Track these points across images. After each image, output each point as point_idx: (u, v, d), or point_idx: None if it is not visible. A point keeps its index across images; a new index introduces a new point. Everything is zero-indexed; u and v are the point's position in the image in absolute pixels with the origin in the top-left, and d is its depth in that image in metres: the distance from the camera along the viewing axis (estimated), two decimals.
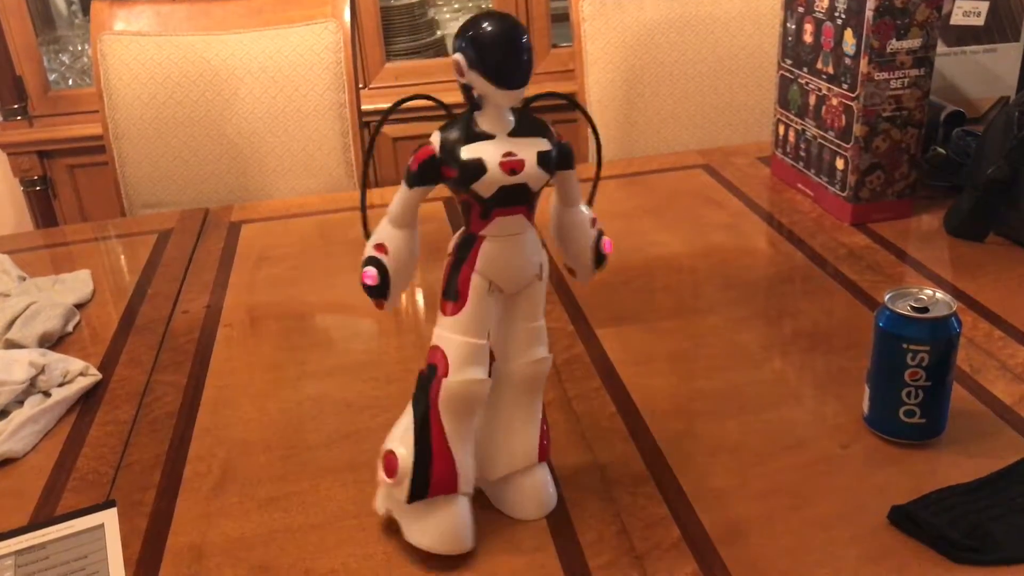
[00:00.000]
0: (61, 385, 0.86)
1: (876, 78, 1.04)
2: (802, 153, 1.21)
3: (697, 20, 1.57)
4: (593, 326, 0.93)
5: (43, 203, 2.10)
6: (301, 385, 0.88)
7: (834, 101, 1.11)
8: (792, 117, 1.22)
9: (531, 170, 0.59)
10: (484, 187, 0.59)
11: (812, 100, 1.16)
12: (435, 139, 0.60)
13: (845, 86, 1.08)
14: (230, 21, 1.54)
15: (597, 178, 0.69)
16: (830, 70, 1.11)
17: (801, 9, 1.16)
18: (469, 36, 0.57)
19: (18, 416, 0.81)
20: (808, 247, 1.08)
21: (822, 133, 1.15)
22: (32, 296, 1.01)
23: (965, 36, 1.28)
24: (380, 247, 0.63)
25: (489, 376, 0.63)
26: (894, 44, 1.03)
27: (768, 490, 0.69)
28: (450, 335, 0.62)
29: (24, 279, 1.10)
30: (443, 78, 2.12)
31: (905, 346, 0.69)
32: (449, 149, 0.59)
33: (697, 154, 1.40)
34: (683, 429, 0.77)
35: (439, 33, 2.26)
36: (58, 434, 0.82)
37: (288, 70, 1.51)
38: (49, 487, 0.75)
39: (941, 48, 1.25)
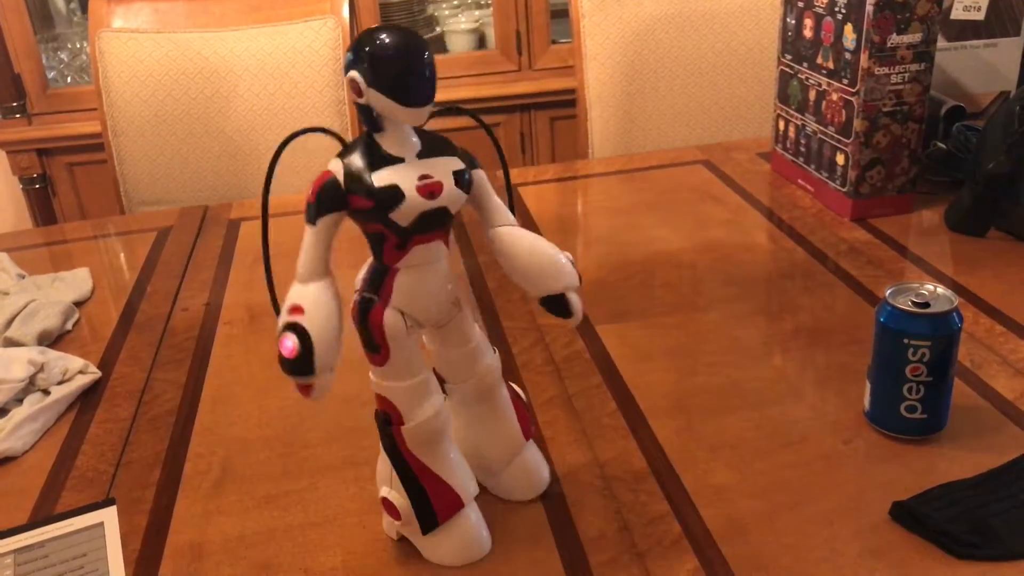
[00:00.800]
0: (60, 383, 0.86)
1: (876, 73, 1.04)
2: (802, 148, 1.20)
3: (697, 15, 1.56)
4: (593, 322, 0.93)
5: (42, 201, 2.10)
6: None
7: (834, 96, 1.11)
8: (792, 112, 1.22)
9: (450, 191, 0.56)
10: (402, 215, 0.54)
11: (812, 95, 1.16)
12: (335, 167, 0.55)
13: (845, 81, 1.08)
14: (228, 18, 1.54)
15: (510, 195, 0.64)
16: (830, 65, 1.11)
17: (801, 4, 1.16)
18: (366, 52, 0.52)
19: (17, 414, 0.81)
20: (808, 243, 1.07)
21: (822, 128, 1.14)
22: (31, 294, 1.01)
23: (965, 31, 1.28)
24: (295, 309, 0.55)
25: (444, 392, 0.62)
26: (894, 39, 1.03)
27: (769, 486, 0.69)
28: (388, 384, 0.59)
29: (23, 277, 1.09)
30: (442, 74, 2.11)
31: (906, 341, 0.69)
32: (356, 177, 0.54)
33: (697, 150, 1.40)
34: (684, 425, 0.76)
35: (438, 29, 2.26)
36: (57, 432, 0.82)
37: (287, 67, 1.51)
38: (48, 485, 0.75)
39: (941, 43, 1.25)
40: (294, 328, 0.54)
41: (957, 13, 1.26)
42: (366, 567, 0.64)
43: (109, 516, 0.66)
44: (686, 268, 1.05)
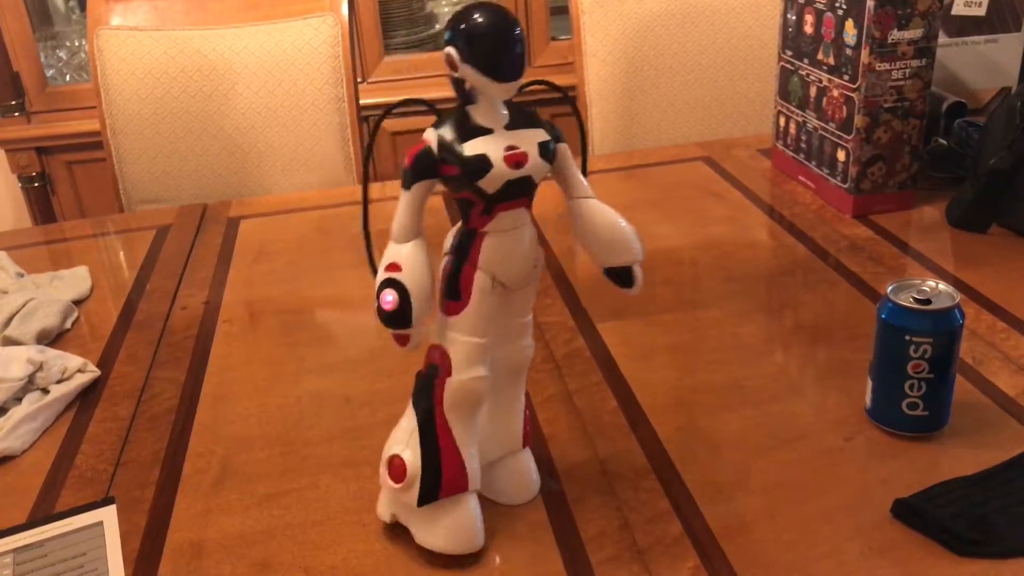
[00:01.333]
0: (59, 382, 0.86)
1: (877, 69, 1.04)
2: (803, 145, 1.20)
3: (697, 12, 1.56)
4: (594, 320, 0.93)
5: (41, 199, 2.09)
6: (300, 381, 0.87)
7: (835, 92, 1.10)
8: (793, 109, 1.21)
9: (534, 162, 0.58)
10: (489, 183, 0.57)
11: (813, 91, 1.16)
12: (430, 136, 0.58)
13: (846, 77, 1.07)
14: (227, 15, 1.53)
15: (585, 170, 0.67)
16: (831, 61, 1.10)
17: (801, 0, 1.15)
18: (462, 29, 0.56)
19: (16, 413, 0.81)
20: (809, 239, 1.07)
21: (823, 125, 1.14)
22: (30, 293, 1.01)
23: (966, 26, 1.28)
24: (392, 266, 0.58)
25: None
26: (895, 34, 1.02)
27: (770, 484, 0.69)
28: (453, 335, 0.61)
29: (22, 275, 1.09)
30: (442, 71, 2.10)
31: (908, 338, 0.69)
32: (448, 146, 0.57)
33: (698, 146, 1.39)
34: (685, 423, 0.76)
35: (437, 27, 2.25)
36: (56, 431, 0.82)
37: (286, 64, 1.50)
38: (48, 484, 0.75)
39: (942, 38, 1.24)
40: (393, 283, 0.58)
41: (958, 9, 1.25)
42: (366, 565, 0.64)
43: (108, 515, 0.66)
44: (687, 265, 1.05)
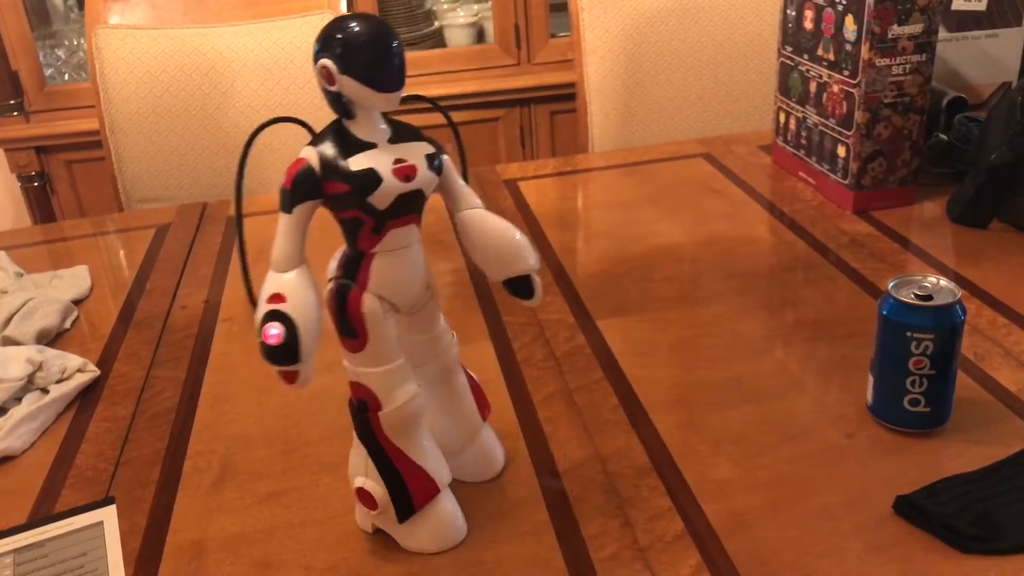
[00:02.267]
0: (59, 382, 0.85)
1: (877, 64, 1.04)
2: (803, 141, 1.20)
3: (696, 8, 1.56)
4: (594, 317, 0.93)
5: (41, 199, 2.09)
6: None
7: (835, 88, 1.10)
8: (793, 105, 1.21)
9: (424, 174, 0.57)
10: (380, 198, 0.55)
11: (813, 87, 1.15)
12: (308, 154, 0.56)
13: (846, 73, 1.07)
14: (226, 13, 1.53)
15: (466, 179, 0.64)
16: (831, 57, 1.10)
17: None
18: (338, 39, 0.53)
19: (16, 413, 0.80)
20: (810, 235, 1.07)
21: (823, 120, 1.14)
22: (30, 292, 1.01)
23: (966, 21, 1.27)
24: (276, 297, 0.54)
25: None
26: (895, 30, 1.02)
27: (772, 481, 0.68)
28: (365, 370, 0.59)
29: (21, 275, 1.09)
30: (441, 69, 2.11)
31: (909, 334, 0.68)
32: (331, 163, 0.55)
33: (698, 143, 1.39)
34: (686, 420, 0.76)
35: (437, 24, 2.25)
36: (56, 431, 0.82)
37: (285, 62, 1.50)
38: (48, 484, 0.75)
39: (942, 34, 1.24)
40: (278, 316, 0.54)
41: (958, 4, 1.25)
42: (367, 564, 0.64)
43: (109, 515, 0.65)
44: (687, 262, 1.05)
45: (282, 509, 0.70)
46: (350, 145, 0.56)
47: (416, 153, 0.57)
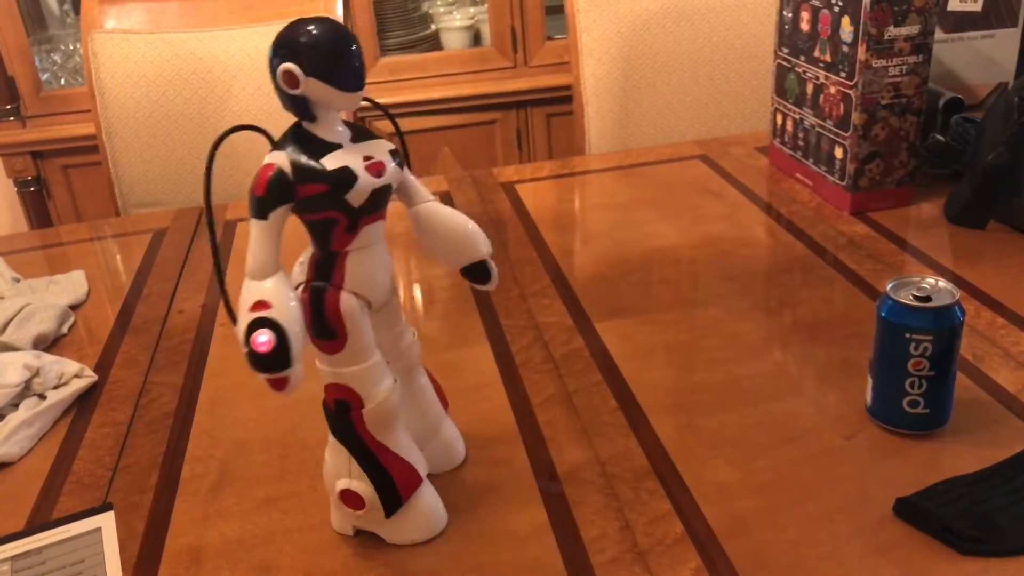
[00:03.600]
0: (56, 387, 0.85)
1: (874, 65, 1.04)
2: (800, 142, 1.20)
3: (692, 9, 1.56)
4: (592, 319, 0.93)
5: (37, 204, 2.09)
6: None
7: (832, 89, 1.10)
8: (790, 106, 1.21)
9: (391, 169, 0.58)
10: (356, 195, 0.56)
11: (810, 88, 1.15)
12: (277, 158, 0.56)
13: (843, 74, 1.07)
14: (222, 17, 1.53)
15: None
16: (827, 58, 1.10)
17: None
18: (303, 43, 0.54)
19: (13, 419, 0.80)
20: (807, 237, 1.07)
21: (820, 122, 1.14)
22: (27, 298, 1.01)
23: (962, 22, 1.27)
24: (259, 304, 0.54)
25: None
26: (892, 31, 1.02)
27: (771, 483, 0.68)
28: (346, 370, 0.60)
29: (18, 280, 1.09)
30: (437, 72, 2.11)
31: (908, 335, 0.68)
32: (304, 166, 0.55)
33: (694, 144, 1.39)
34: (685, 422, 0.76)
35: (433, 27, 2.25)
36: (54, 437, 0.81)
37: None
38: (45, 491, 0.75)
39: (938, 34, 1.24)
40: (266, 323, 0.54)
41: (954, 5, 1.25)
42: (366, 570, 0.64)
43: (107, 521, 0.65)
44: (684, 264, 1.05)
45: (280, 514, 0.69)
46: (317, 147, 0.56)
47: (380, 150, 0.59)
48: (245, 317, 0.54)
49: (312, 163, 0.56)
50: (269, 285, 0.55)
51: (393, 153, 0.59)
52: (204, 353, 0.93)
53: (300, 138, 0.57)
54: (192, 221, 1.27)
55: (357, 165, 0.57)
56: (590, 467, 0.71)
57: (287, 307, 0.54)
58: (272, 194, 0.55)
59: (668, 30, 1.56)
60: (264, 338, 0.53)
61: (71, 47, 2.16)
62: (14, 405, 0.83)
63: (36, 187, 2.07)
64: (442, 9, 2.30)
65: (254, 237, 0.56)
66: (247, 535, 0.68)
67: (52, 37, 2.20)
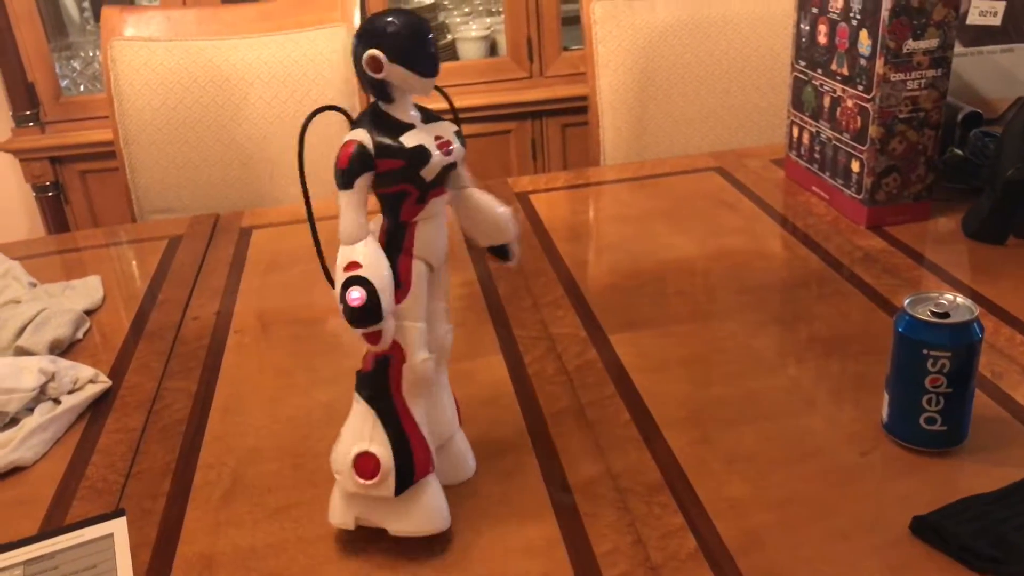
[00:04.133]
0: (71, 392, 0.85)
1: (892, 79, 1.03)
2: (816, 155, 1.19)
3: (709, 22, 1.56)
4: (606, 331, 0.92)
5: (55, 209, 2.10)
6: (312, 392, 0.87)
7: (849, 103, 1.10)
8: (806, 119, 1.21)
9: (457, 148, 0.64)
10: (429, 171, 0.61)
11: (827, 102, 1.15)
12: (359, 135, 0.60)
13: (860, 87, 1.07)
14: (240, 26, 1.54)
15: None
16: (845, 71, 1.10)
17: (815, 10, 1.15)
18: (388, 32, 0.59)
19: (28, 424, 0.80)
20: (823, 250, 1.06)
21: (837, 135, 1.13)
22: (43, 303, 1.01)
23: (982, 36, 1.27)
24: (351, 265, 0.59)
25: None
26: (911, 44, 1.02)
27: (786, 499, 0.68)
28: (400, 323, 0.63)
29: (35, 285, 1.09)
30: (453, 82, 2.11)
31: (926, 352, 0.68)
32: (384, 143, 0.60)
33: (710, 156, 1.39)
34: (698, 436, 0.75)
35: (450, 37, 2.26)
36: (68, 442, 0.82)
37: (298, 74, 1.51)
38: (58, 495, 0.75)
39: (957, 48, 1.23)
40: (357, 280, 0.59)
41: (973, 18, 1.25)
42: None
43: (119, 527, 0.65)
44: (699, 276, 1.04)
45: (292, 523, 0.69)
46: (393, 126, 0.61)
47: (447, 130, 0.64)
48: (340, 277, 0.59)
49: (391, 141, 0.60)
50: (360, 248, 0.60)
51: (458, 134, 0.64)
52: (218, 360, 0.93)
53: (378, 118, 0.62)
54: (207, 228, 1.27)
55: (430, 144, 0.61)
56: (602, 480, 0.71)
57: (377, 266, 0.60)
58: (355, 165, 0.60)
59: (684, 42, 1.56)
60: (356, 294, 0.58)
61: (91, 54, 2.18)
62: (29, 410, 0.83)
63: (54, 192, 2.09)
64: (459, 19, 2.31)
65: (343, 207, 0.61)
66: (258, 544, 0.68)
67: (72, 44, 2.22)
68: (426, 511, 0.65)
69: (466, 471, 0.73)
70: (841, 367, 0.85)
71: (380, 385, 0.64)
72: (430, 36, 0.60)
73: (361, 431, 0.64)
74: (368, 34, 0.60)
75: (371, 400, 0.64)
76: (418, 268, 0.64)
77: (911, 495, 0.66)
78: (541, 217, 1.22)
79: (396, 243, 0.63)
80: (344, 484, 0.65)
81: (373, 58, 0.59)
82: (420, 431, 0.65)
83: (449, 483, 0.70)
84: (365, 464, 0.63)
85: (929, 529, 0.62)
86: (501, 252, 0.71)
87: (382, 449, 0.63)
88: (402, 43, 0.59)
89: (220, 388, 0.89)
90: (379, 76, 0.60)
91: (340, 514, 0.67)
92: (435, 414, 0.69)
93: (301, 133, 0.61)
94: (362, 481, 0.63)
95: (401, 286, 0.63)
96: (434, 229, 0.64)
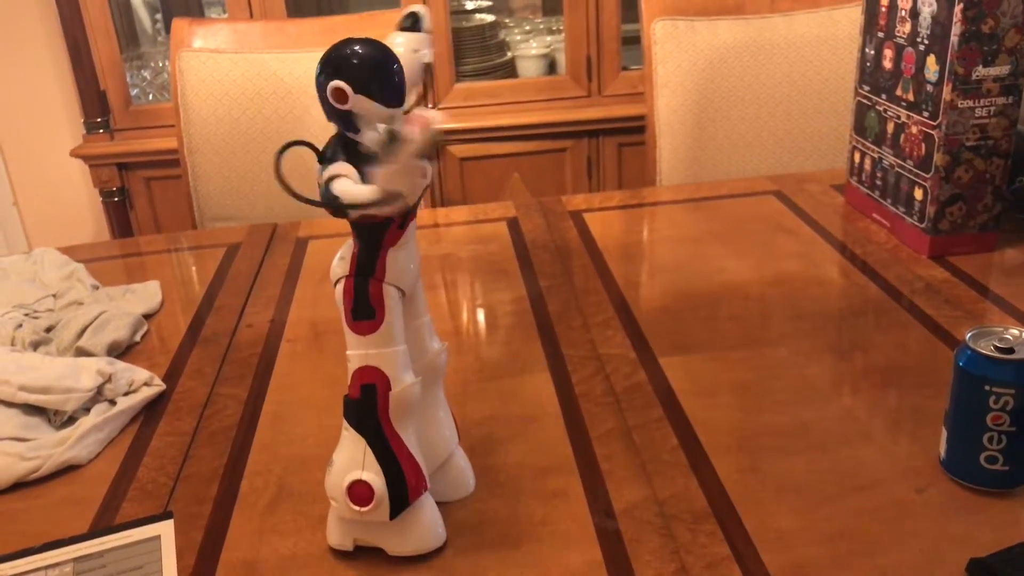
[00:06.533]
0: (126, 394, 0.87)
1: (960, 106, 1.01)
2: (878, 182, 1.17)
3: (771, 44, 1.54)
4: (656, 353, 0.91)
5: (120, 214, 2.16)
6: None
7: (914, 129, 1.07)
8: (869, 144, 1.18)
9: (430, 167, 0.62)
10: (413, 196, 0.61)
11: (890, 128, 1.13)
12: (344, 169, 0.59)
13: (926, 114, 1.04)
14: (304, 39, 1.57)
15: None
16: (910, 97, 1.07)
17: (881, 34, 1.13)
18: (353, 64, 0.58)
19: (84, 423, 0.82)
20: (882, 279, 1.04)
21: (900, 162, 1.11)
22: (103, 305, 1.04)
23: None
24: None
25: None
26: (980, 71, 0.99)
27: (836, 533, 0.66)
28: (379, 351, 0.63)
29: (97, 288, 1.12)
30: (512, 99, 2.12)
31: (988, 388, 0.65)
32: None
33: (768, 180, 1.37)
34: (747, 465, 0.74)
35: (509, 54, 2.27)
36: (121, 443, 0.83)
37: None
38: (110, 495, 0.76)
39: None
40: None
41: None
42: None
43: (166, 530, 0.66)
44: (754, 301, 1.03)
45: None
46: (362, 158, 0.60)
47: None
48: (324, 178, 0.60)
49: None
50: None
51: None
52: (269, 368, 0.95)
53: (346, 149, 0.61)
54: (265, 237, 1.30)
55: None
56: (647, 505, 0.70)
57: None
58: (336, 154, 0.60)
59: (745, 64, 1.54)
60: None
61: (160, 64, 2.24)
62: (86, 409, 0.85)
63: (120, 198, 2.15)
64: (519, 37, 2.32)
65: (339, 170, 0.60)
66: (301, 552, 0.68)
67: (143, 54, 2.29)
68: (422, 530, 0.66)
69: (466, 488, 0.73)
70: (898, 399, 0.82)
71: (367, 412, 0.64)
72: (395, 66, 0.59)
73: (353, 458, 0.64)
74: (332, 64, 0.58)
75: (360, 428, 0.64)
76: (389, 292, 0.63)
77: (968, 536, 0.64)
78: (594, 236, 1.22)
79: (367, 270, 0.62)
80: (340, 510, 0.66)
81: (338, 89, 0.57)
82: (411, 454, 0.65)
83: (448, 500, 0.71)
84: (359, 492, 0.64)
85: (986, 572, 0.60)
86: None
87: (375, 476, 0.63)
88: (367, 74, 0.58)
89: (270, 396, 0.90)
90: (344, 107, 0.58)
91: (338, 536, 0.67)
92: (431, 433, 0.69)
93: (276, 168, 0.61)
94: (357, 508, 0.64)
95: (374, 315, 0.62)
96: (406, 254, 0.63)
